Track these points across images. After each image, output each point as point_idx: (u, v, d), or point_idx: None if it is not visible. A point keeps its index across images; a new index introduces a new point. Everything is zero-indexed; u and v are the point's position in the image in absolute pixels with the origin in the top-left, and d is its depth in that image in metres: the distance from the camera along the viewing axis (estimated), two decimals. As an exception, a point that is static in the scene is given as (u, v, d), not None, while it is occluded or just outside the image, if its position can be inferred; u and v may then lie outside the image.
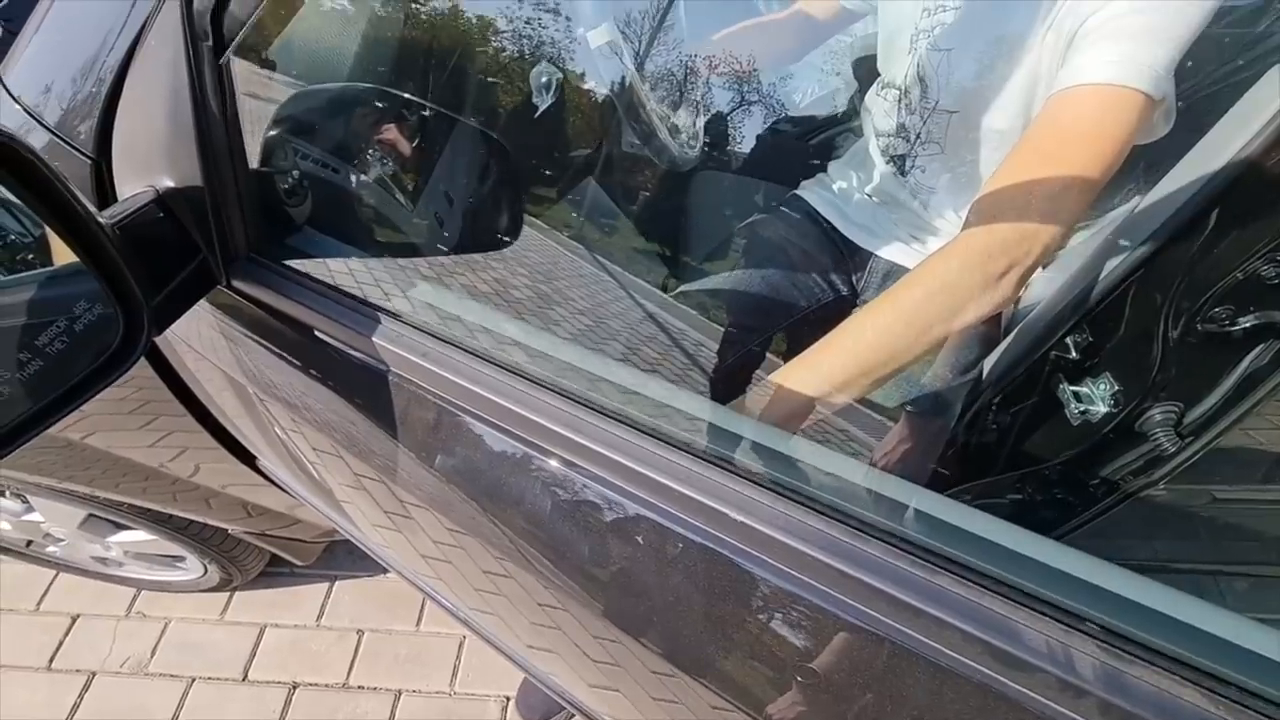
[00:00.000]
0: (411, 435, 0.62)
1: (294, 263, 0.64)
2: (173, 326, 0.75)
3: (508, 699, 1.41)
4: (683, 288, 1.05)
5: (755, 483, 0.41)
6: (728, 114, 1.62)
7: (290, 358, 0.68)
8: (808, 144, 1.54)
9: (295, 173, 0.63)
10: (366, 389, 0.63)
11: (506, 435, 0.54)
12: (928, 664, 0.35)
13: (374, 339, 0.57)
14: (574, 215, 1.49)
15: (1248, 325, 0.70)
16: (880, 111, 1.03)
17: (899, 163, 1.02)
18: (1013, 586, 0.33)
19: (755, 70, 1.32)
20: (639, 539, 0.48)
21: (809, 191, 1.16)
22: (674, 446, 0.45)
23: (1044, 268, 1.02)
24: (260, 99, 0.63)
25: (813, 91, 1.66)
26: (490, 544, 0.59)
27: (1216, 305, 0.71)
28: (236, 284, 0.64)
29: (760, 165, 1.38)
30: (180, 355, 0.84)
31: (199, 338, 0.77)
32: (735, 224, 1.26)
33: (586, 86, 0.94)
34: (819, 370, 0.58)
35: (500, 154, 1.05)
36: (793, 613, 0.42)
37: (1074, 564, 0.33)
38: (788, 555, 0.39)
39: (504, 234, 0.96)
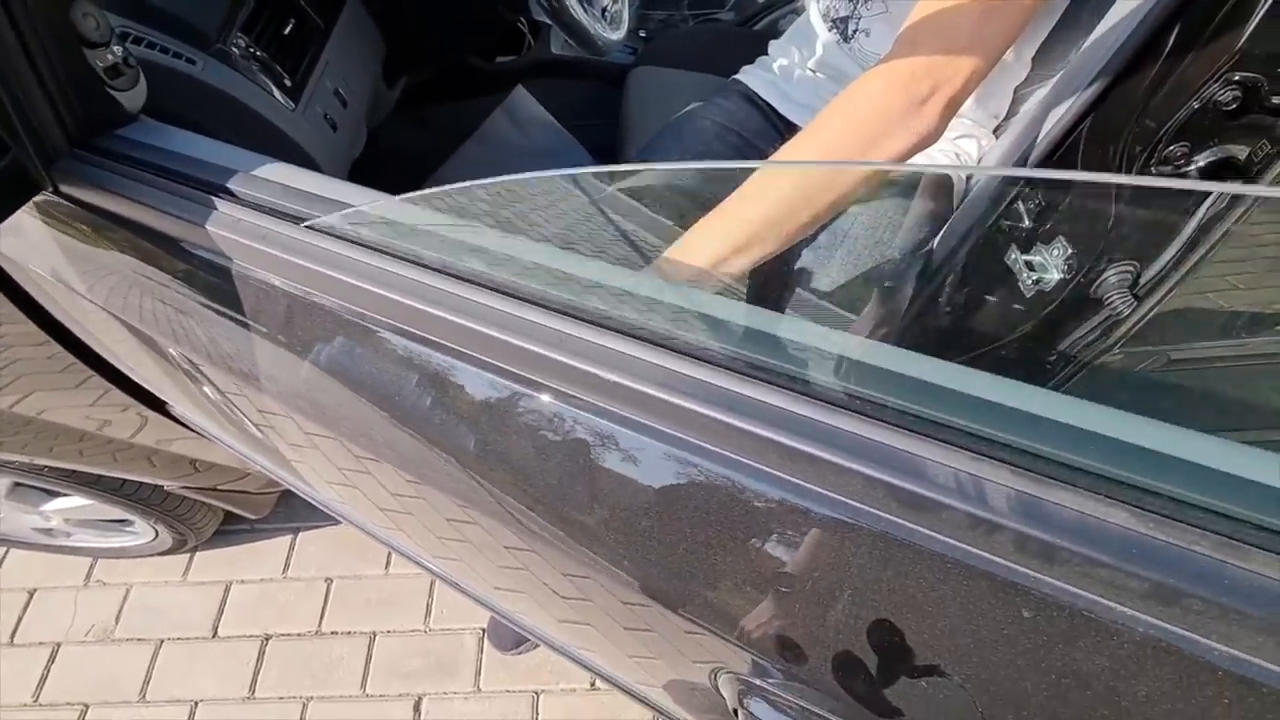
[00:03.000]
0: (328, 355, 0.54)
1: (133, 157, 0.55)
2: (41, 268, 0.66)
3: (483, 630, 1.41)
4: (614, 187, 0.96)
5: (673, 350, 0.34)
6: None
7: (157, 277, 0.61)
8: (750, 30, 1.43)
9: (117, 48, 0.54)
10: (249, 298, 0.56)
11: (392, 331, 0.47)
12: (828, 518, 0.30)
13: (253, 244, 0.48)
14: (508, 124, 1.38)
15: (1203, 164, 0.65)
16: (820, -30, 0.94)
17: (842, 27, 0.93)
18: (916, 417, 0.28)
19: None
20: (563, 439, 0.42)
21: (748, 74, 1.07)
22: (589, 323, 0.37)
23: (996, 135, 0.96)
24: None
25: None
26: (370, 448, 0.53)
27: (1171, 143, 0.65)
28: (65, 189, 0.55)
29: (700, 57, 1.27)
30: (53, 296, 0.75)
31: (66, 274, 0.68)
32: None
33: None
34: (729, 222, 0.53)
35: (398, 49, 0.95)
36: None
37: (974, 384, 0.28)
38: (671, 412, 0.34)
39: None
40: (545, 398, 0.39)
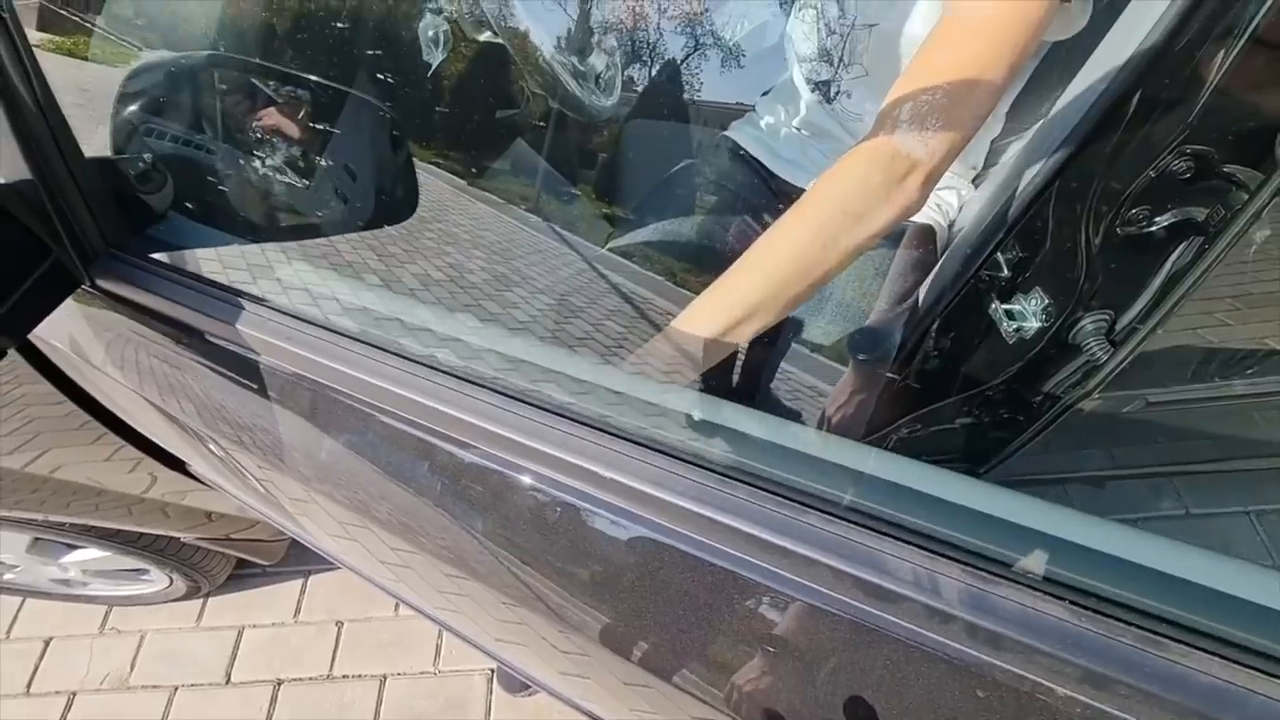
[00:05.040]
0: (332, 435, 0.58)
1: (162, 256, 0.59)
2: (58, 339, 0.70)
3: (492, 671, 1.42)
4: (611, 244, 1.01)
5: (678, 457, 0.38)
6: (651, 56, 1.56)
7: (180, 361, 0.65)
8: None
9: (146, 156, 0.58)
10: (259, 385, 0.60)
11: (410, 426, 0.50)
12: (802, 605, 0.33)
13: (265, 337, 0.53)
14: (507, 180, 1.44)
15: (1166, 224, 0.69)
16: (801, 35, 0.99)
17: (824, 90, 0.98)
18: (878, 518, 0.32)
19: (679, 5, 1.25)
20: (559, 527, 0.45)
21: (737, 131, 1.12)
22: (575, 421, 0.41)
23: (976, 185, 1.00)
24: (95, 73, 0.58)
25: (743, 26, 1.59)
26: (382, 526, 0.57)
27: (1134, 206, 0.69)
28: (102, 284, 0.59)
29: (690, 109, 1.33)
30: (79, 369, 0.80)
31: (88, 349, 0.73)
32: (668, 172, 1.21)
33: (482, 37, 0.89)
34: (730, 296, 0.56)
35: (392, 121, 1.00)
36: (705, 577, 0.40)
37: (932, 484, 0.32)
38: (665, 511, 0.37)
39: (405, 204, 0.91)
40: (527, 479, 0.43)
